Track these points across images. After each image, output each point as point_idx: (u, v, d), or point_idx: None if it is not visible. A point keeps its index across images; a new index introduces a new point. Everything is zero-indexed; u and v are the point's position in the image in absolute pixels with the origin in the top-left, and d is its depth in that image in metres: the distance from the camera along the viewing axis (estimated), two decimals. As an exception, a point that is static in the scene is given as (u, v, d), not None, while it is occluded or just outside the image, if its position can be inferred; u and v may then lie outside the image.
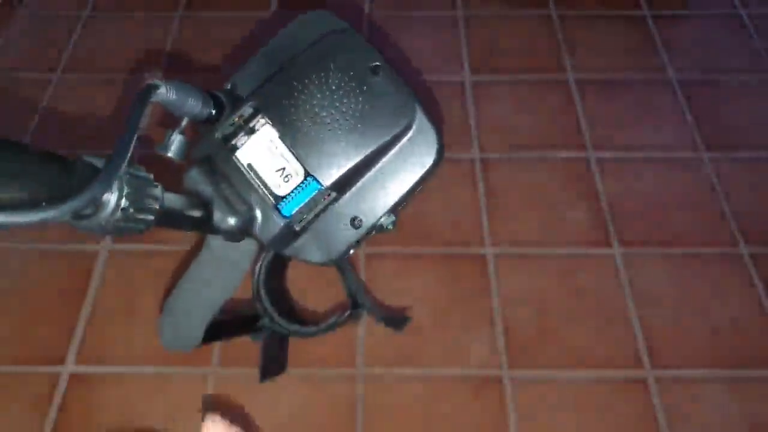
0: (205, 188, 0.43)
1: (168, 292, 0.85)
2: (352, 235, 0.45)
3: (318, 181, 0.44)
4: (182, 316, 0.51)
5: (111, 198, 0.31)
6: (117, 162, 0.31)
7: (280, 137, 0.44)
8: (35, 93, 1.09)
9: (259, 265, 0.61)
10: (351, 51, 0.44)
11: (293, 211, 0.44)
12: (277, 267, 0.64)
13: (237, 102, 0.45)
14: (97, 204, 0.31)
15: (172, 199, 0.38)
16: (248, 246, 0.47)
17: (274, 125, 0.44)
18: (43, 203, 0.27)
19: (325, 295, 0.83)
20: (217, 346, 0.79)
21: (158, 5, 1.24)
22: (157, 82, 0.37)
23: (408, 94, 0.44)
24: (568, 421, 0.76)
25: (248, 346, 0.77)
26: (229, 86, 0.46)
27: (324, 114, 0.43)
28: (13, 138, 0.27)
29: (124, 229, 0.32)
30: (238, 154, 0.44)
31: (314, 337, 0.77)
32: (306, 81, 0.44)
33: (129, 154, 0.31)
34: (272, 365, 0.74)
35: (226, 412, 0.34)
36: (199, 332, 0.51)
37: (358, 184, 0.45)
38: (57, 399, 0.77)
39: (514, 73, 1.12)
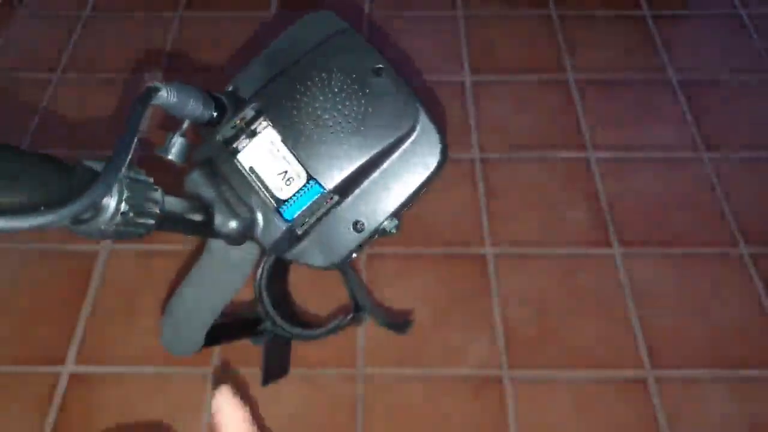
0: (207, 191, 0.42)
1: (169, 293, 0.85)
2: (354, 239, 0.45)
3: (320, 185, 0.43)
4: (183, 321, 0.51)
5: (110, 202, 0.31)
6: (117, 165, 0.31)
7: (282, 140, 0.43)
8: (35, 93, 1.09)
9: (261, 268, 0.61)
10: (353, 53, 0.44)
11: (295, 215, 0.44)
12: (279, 270, 0.64)
13: (239, 104, 0.45)
14: (97, 208, 0.30)
15: (173, 203, 0.37)
16: (250, 250, 0.46)
17: (275, 128, 0.43)
18: (42, 208, 0.27)
19: (327, 298, 0.83)
20: (217, 347, 0.79)
21: (158, 5, 1.24)
22: (157, 84, 0.37)
23: (411, 96, 0.44)
24: (568, 421, 0.76)
25: (248, 346, 0.77)
26: (230, 88, 0.46)
27: (326, 117, 0.43)
28: (13, 138, 0.27)
29: (124, 233, 0.32)
30: (240, 157, 0.44)
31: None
32: (308, 83, 0.44)
33: (129, 158, 0.31)
34: (275, 369, 0.74)
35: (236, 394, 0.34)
36: (201, 336, 0.51)
37: (361, 187, 0.44)
38: (57, 399, 0.77)
39: (514, 73, 1.12)
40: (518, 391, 0.78)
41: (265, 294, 0.67)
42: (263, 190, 0.43)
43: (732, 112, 1.06)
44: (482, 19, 1.21)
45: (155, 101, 0.37)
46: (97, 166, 0.31)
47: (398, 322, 0.82)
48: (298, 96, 0.43)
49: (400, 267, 0.88)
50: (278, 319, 0.71)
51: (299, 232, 0.44)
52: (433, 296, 0.86)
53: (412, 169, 0.44)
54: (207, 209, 0.42)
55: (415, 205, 0.47)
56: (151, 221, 0.33)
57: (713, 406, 0.77)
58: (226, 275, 0.48)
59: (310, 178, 0.43)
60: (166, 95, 0.37)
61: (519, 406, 0.77)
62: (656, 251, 0.90)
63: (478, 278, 0.87)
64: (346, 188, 0.44)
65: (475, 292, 0.86)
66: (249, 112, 0.44)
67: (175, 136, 0.40)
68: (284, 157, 0.43)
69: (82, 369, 0.80)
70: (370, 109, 0.43)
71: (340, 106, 0.43)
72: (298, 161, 0.43)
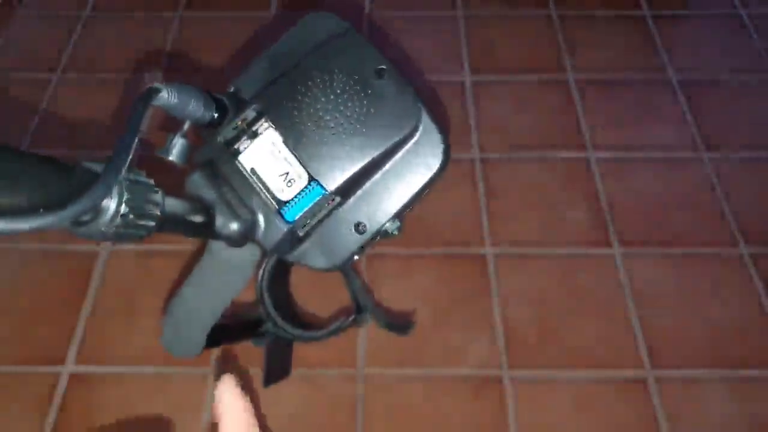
0: (208, 193, 0.42)
1: (169, 293, 0.85)
2: (356, 240, 0.44)
3: (322, 186, 0.43)
4: (184, 322, 0.51)
5: (110, 204, 0.30)
6: (117, 166, 0.30)
7: (283, 141, 0.43)
8: (35, 93, 1.09)
9: (262, 269, 0.61)
10: (355, 53, 0.44)
11: (296, 217, 0.43)
12: (281, 271, 0.63)
13: (240, 105, 0.44)
14: (97, 210, 0.30)
15: (174, 205, 0.37)
16: (251, 251, 0.46)
17: (277, 129, 0.43)
18: (41, 210, 0.27)
19: (329, 299, 0.83)
20: (217, 348, 0.79)
21: (158, 5, 1.24)
22: (158, 85, 0.37)
23: (413, 97, 0.43)
24: (568, 421, 0.76)
25: (247, 346, 0.77)
26: (232, 89, 0.46)
27: (328, 118, 0.43)
28: (13, 138, 0.27)
29: (124, 235, 0.31)
30: (241, 158, 0.43)
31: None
32: (310, 84, 0.43)
33: (129, 159, 0.31)
34: (276, 370, 0.74)
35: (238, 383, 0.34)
36: (202, 339, 0.51)
37: (363, 188, 0.44)
38: (57, 399, 0.77)
39: (514, 73, 1.12)
40: (518, 391, 0.78)
41: (266, 295, 0.67)
42: (264, 191, 0.43)
43: (732, 112, 1.06)
44: (482, 19, 1.21)
45: (156, 102, 0.37)
46: (97, 167, 0.31)
47: (400, 323, 0.82)
48: (299, 97, 0.43)
49: (400, 267, 0.88)
50: (280, 321, 0.70)
51: (300, 234, 0.44)
52: (433, 296, 0.86)
53: (414, 170, 0.44)
54: (208, 211, 0.41)
55: (415, 205, 0.47)
56: (152, 223, 0.33)
57: (713, 406, 0.77)
58: (226, 277, 0.48)
59: (311, 179, 0.43)
60: (167, 96, 0.37)
61: (519, 406, 0.77)
62: (656, 251, 0.90)
63: (478, 278, 0.87)
64: (347, 190, 0.44)
65: (475, 292, 0.86)
66: (250, 113, 0.44)
67: (176, 137, 0.40)
68: (285, 159, 0.43)
69: (82, 369, 0.80)
70: (372, 110, 0.43)
71: (341, 107, 0.43)
72: (300, 162, 0.43)
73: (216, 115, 0.43)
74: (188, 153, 0.40)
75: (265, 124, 0.43)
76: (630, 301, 0.85)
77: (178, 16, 1.22)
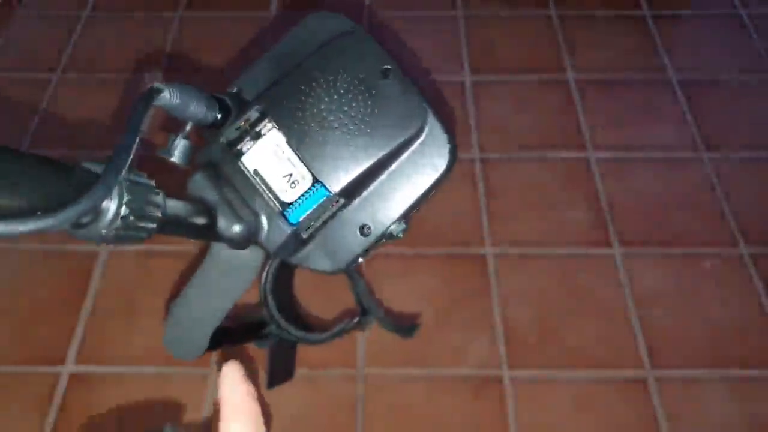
0: (210, 194, 0.41)
1: (169, 293, 0.85)
2: (360, 243, 0.43)
3: (326, 188, 0.42)
4: (186, 324, 0.50)
5: (110, 206, 0.30)
6: (117, 167, 0.30)
7: (287, 142, 0.42)
8: (35, 93, 1.09)
9: (266, 271, 0.60)
10: (360, 53, 0.43)
11: (300, 218, 0.42)
12: (284, 273, 0.63)
13: (242, 106, 0.44)
14: (97, 212, 0.30)
15: (175, 206, 0.36)
16: (254, 254, 0.45)
17: (280, 129, 0.43)
18: (39, 212, 0.26)
19: (332, 301, 0.83)
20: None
21: (158, 5, 1.23)
22: (159, 85, 0.36)
23: (419, 97, 0.42)
24: (568, 421, 0.76)
25: (248, 347, 0.77)
26: (234, 89, 0.45)
27: (332, 118, 0.42)
28: (13, 139, 0.27)
29: (124, 237, 0.31)
30: (244, 159, 0.43)
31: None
32: (314, 84, 0.43)
33: (129, 160, 0.31)
34: (280, 372, 0.73)
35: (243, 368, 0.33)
36: (204, 340, 0.50)
37: (368, 190, 0.43)
38: (57, 399, 0.77)
39: (514, 73, 1.12)
40: (518, 391, 0.78)
41: (270, 297, 0.67)
42: (267, 192, 0.42)
43: (732, 112, 1.06)
44: (482, 19, 1.21)
45: (157, 102, 0.36)
46: (97, 168, 0.30)
47: (404, 326, 0.82)
48: (303, 97, 0.43)
49: (401, 267, 0.88)
50: (283, 323, 0.70)
51: (304, 236, 0.43)
52: (434, 296, 0.86)
53: (420, 171, 0.43)
54: (210, 212, 0.41)
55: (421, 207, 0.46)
56: (153, 225, 0.32)
57: (713, 406, 0.77)
58: (229, 279, 0.47)
59: (315, 180, 0.42)
60: (168, 96, 0.37)
61: (519, 405, 0.77)
62: (656, 251, 0.90)
63: (479, 278, 0.87)
64: (352, 191, 0.43)
65: (476, 292, 0.86)
66: (253, 114, 0.43)
67: (178, 137, 0.39)
68: (289, 159, 0.42)
69: (82, 369, 0.80)
70: (376, 110, 0.42)
71: (346, 108, 0.42)
72: (303, 163, 0.42)
73: (218, 115, 0.42)
74: (190, 154, 0.39)
75: (269, 125, 0.43)
76: (630, 301, 0.85)
77: (178, 16, 1.21)
